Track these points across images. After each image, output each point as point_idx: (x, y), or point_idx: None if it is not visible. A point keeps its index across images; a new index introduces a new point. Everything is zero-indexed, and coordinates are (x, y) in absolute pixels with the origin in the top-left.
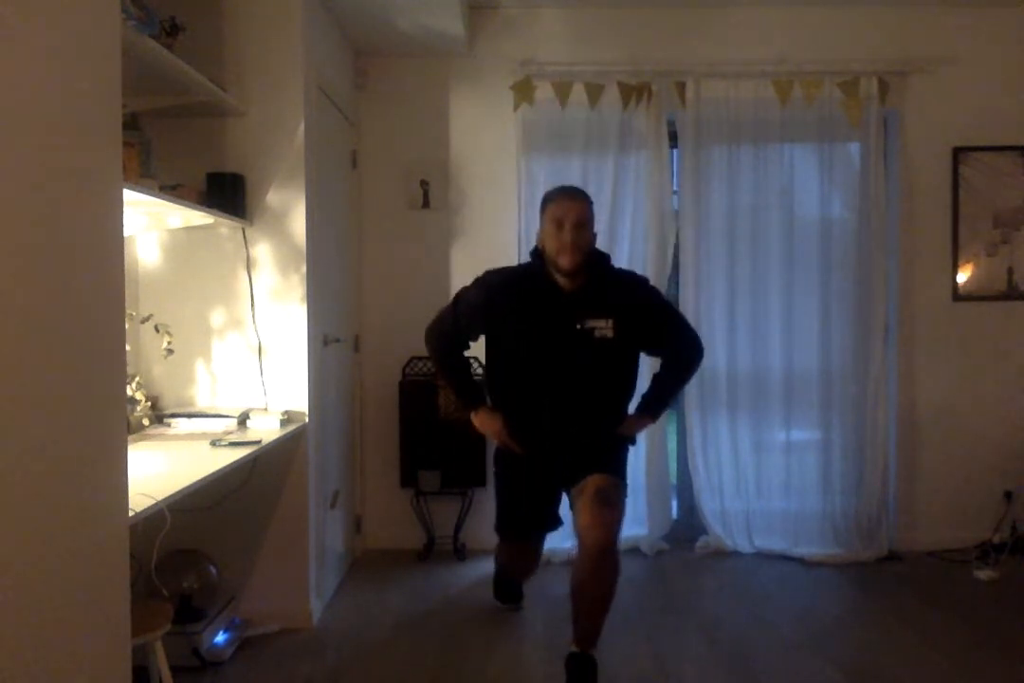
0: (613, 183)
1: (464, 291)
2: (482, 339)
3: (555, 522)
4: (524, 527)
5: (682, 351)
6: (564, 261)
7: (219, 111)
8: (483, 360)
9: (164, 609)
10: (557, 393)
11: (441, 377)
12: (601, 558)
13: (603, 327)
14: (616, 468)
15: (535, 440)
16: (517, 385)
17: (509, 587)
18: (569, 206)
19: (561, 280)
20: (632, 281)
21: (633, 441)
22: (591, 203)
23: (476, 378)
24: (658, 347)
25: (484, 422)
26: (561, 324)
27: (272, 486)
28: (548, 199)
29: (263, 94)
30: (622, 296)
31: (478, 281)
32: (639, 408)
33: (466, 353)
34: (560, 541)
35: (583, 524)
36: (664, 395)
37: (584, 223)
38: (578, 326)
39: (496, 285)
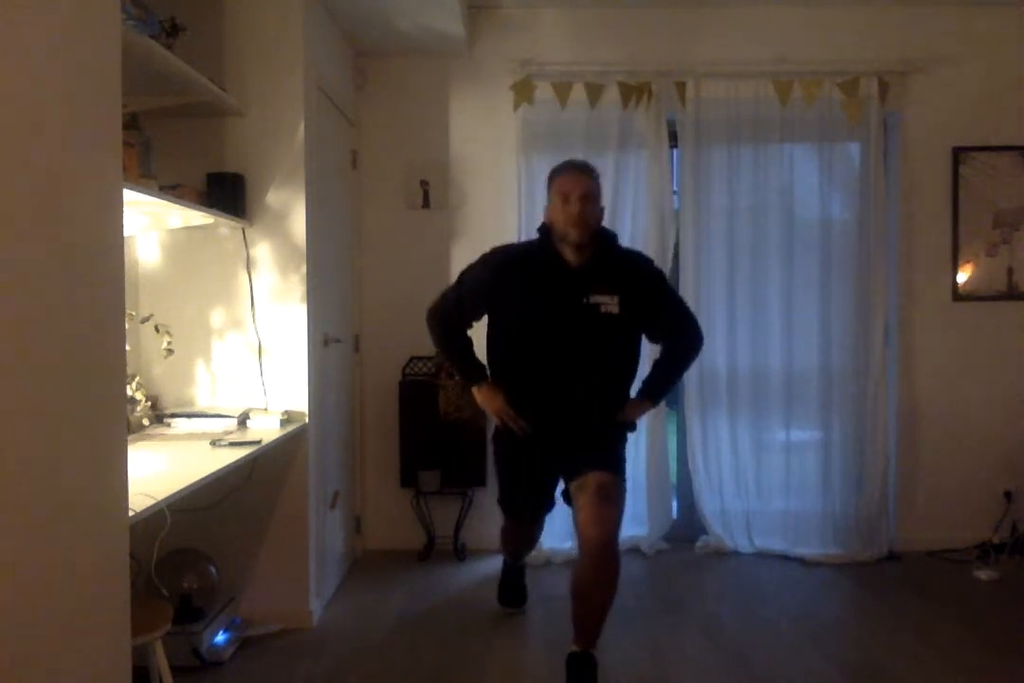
0: (613, 183)
1: (468, 270)
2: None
3: (553, 503)
4: (523, 506)
5: (682, 338)
6: (574, 233)
7: (219, 111)
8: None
9: (164, 609)
10: (561, 369)
11: (443, 356)
12: (602, 556)
13: (609, 303)
14: (616, 463)
15: (537, 418)
16: (521, 362)
17: (514, 585)
18: (576, 179)
19: (568, 254)
20: (638, 260)
21: (633, 427)
22: (598, 177)
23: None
24: (658, 330)
25: (486, 398)
26: (567, 298)
27: (272, 486)
28: (555, 173)
29: (263, 94)
30: (628, 273)
31: (483, 258)
32: (640, 392)
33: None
34: (560, 541)
35: (583, 521)
36: (664, 380)
37: (591, 196)
38: (584, 300)
39: (501, 261)
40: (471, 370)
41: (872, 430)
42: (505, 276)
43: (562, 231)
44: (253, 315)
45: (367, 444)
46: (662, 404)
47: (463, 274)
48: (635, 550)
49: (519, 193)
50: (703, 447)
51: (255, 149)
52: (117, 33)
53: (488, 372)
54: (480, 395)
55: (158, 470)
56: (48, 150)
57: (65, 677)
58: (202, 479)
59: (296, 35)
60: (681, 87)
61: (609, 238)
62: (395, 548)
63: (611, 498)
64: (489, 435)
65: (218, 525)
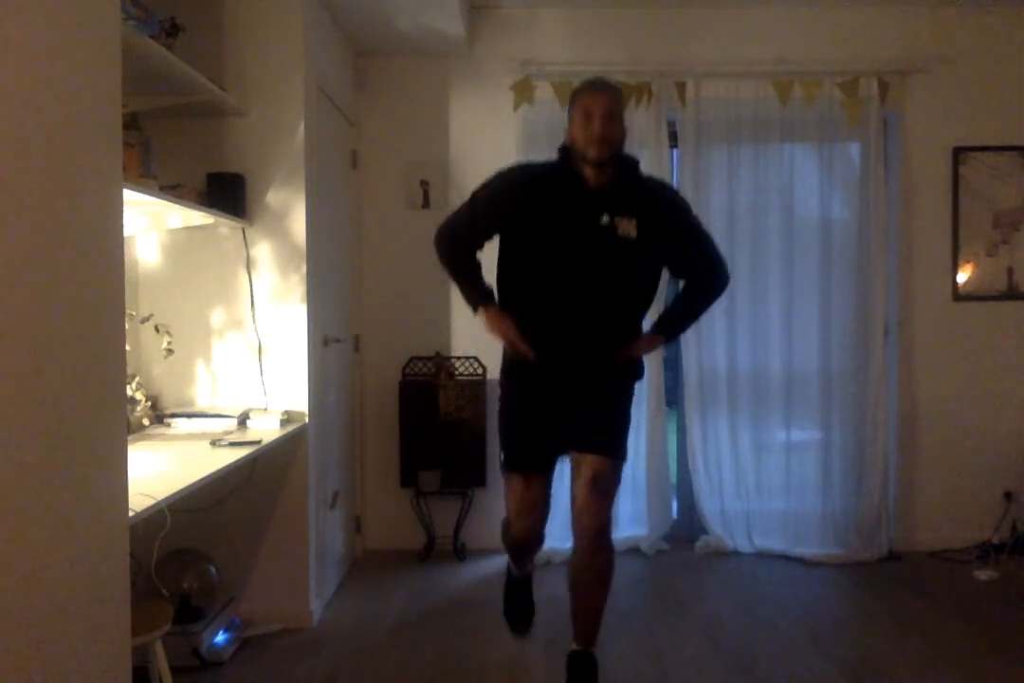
0: None
1: (481, 188)
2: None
3: (562, 452)
4: (529, 454)
5: (705, 276)
6: (593, 151)
7: (219, 111)
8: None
9: (164, 609)
10: (574, 292)
11: (450, 277)
12: (596, 539)
13: (627, 225)
14: (618, 439)
15: (548, 344)
16: (533, 284)
17: (520, 597)
18: (599, 97)
19: (588, 174)
20: (661, 186)
21: (641, 374)
22: (621, 96)
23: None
24: (679, 264)
25: (493, 321)
26: (583, 218)
27: (272, 486)
28: (578, 92)
29: (263, 94)
30: (649, 198)
31: (498, 175)
32: (654, 326)
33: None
34: (561, 542)
35: (577, 510)
36: (682, 317)
37: (614, 115)
38: (601, 221)
39: (518, 176)
40: (478, 290)
41: (872, 430)
42: (520, 195)
43: (582, 149)
44: (253, 315)
45: (367, 444)
46: (663, 403)
47: (476, 192)
48: (635, 550)
49: None
50: (703, 447)
51: (255, 149)
52: (117, 33)
53: (496, 297)
54: (487, 317)
55: (158, 470)
56: (48, 150)
57: (65, 677)
58: (202, 479)
59: (296, 35)
60: (681, 87)
61: (631, 162)
62: (395, 548)
63: (605, 489)
64: (489, 435)
65: (218, 525)
